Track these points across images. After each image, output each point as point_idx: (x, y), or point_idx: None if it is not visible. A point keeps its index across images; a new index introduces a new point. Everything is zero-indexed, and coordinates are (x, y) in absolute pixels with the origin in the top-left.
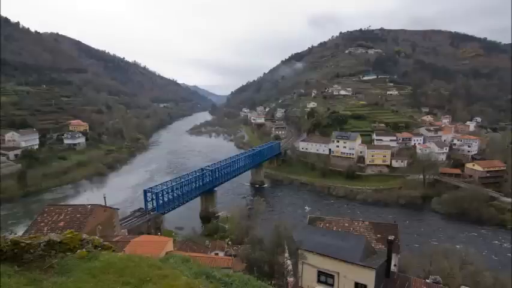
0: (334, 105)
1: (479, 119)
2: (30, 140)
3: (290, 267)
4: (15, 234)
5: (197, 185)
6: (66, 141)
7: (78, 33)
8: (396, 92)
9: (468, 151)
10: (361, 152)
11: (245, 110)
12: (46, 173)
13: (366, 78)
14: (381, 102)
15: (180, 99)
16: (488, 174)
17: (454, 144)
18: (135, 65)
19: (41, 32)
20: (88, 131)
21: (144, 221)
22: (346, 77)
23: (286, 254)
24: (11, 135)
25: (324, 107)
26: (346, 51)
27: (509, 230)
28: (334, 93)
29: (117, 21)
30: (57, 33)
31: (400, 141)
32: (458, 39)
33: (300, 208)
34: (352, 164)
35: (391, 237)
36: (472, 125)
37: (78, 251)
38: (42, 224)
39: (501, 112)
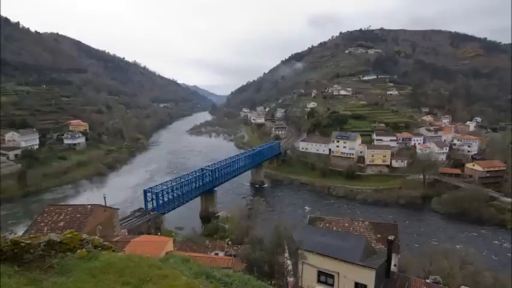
0: (334, 105)
1: (479, 119)
2: (30, 140)
3: (290, 267)
4: (15, 234)
5: (197, 185)
6: (66, 141)
7: (78, 33)
8: (396, 92)
9: (468, 151)
10: (361, 152)
11: (245, 110)
12: (46, 173)
13: (366, 78)
14: (381, 102)
15: (180, 99)
16: (488, 174)
17: (454, 144)
18: (135, 65)
19: (41, 32)
20: (88, 131)
21: (144, 221)
22: (346, 77)
23: (286, 254)
24: (11, 135)
25: (324, 107)
26: (346, 51)
27: (509, 230)
28: (334, 93)
29: (117, 21)
30: (57, 33)
31: (400, 141)
32: (458, 39)
33: (300, 208)
34: (352, 164)
35: (391, 237)
36: (472, 125)
37: (78, 251)
38: (42, 224)
39: (501, 112)
